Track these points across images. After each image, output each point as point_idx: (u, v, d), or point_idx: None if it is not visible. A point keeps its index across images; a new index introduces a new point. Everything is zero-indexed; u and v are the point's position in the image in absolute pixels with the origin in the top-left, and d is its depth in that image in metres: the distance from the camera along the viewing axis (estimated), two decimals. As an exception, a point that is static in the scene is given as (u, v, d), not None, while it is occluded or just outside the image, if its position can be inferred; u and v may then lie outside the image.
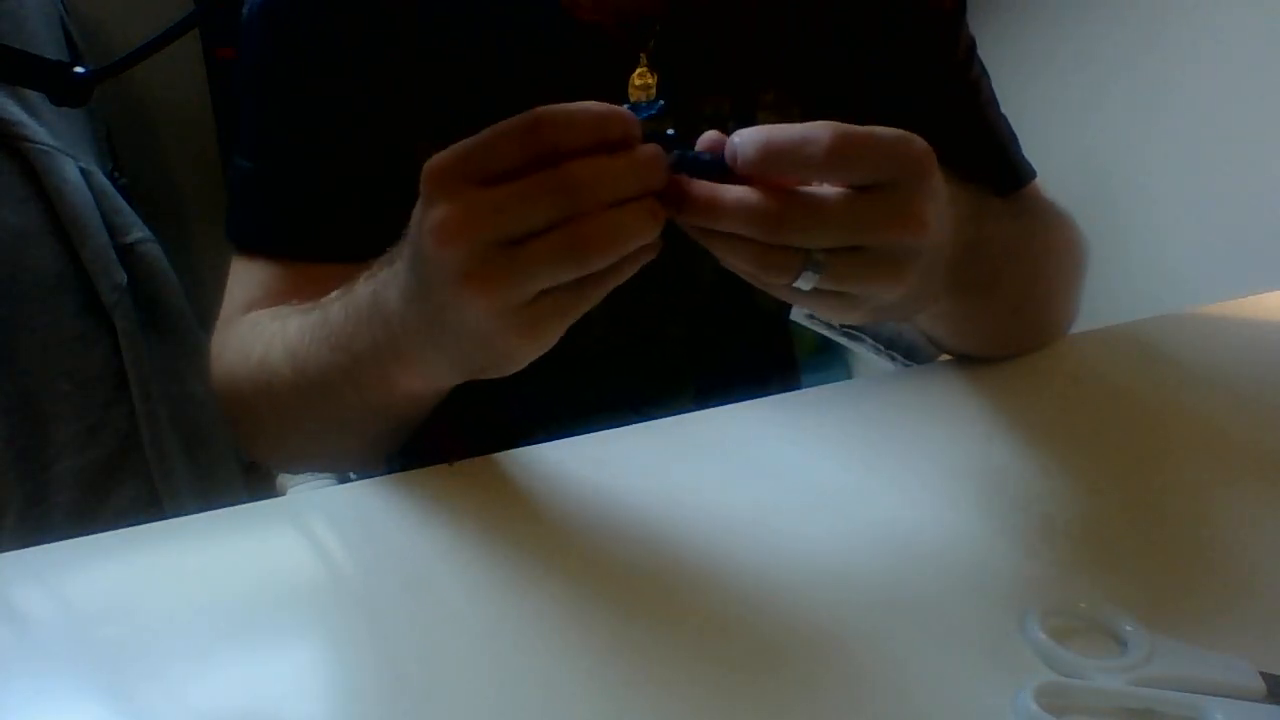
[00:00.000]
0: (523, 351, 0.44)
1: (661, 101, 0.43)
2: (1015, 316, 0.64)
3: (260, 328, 0.61)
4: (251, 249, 0.65)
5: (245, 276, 0.65)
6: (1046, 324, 0.68)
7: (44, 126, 1.26)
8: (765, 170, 0.41)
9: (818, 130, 0.40)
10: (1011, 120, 0.71)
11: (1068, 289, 0.69)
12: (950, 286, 0.52)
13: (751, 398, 0.62)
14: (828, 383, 0.67)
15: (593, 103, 0.40)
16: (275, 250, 0.64)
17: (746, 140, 0.41)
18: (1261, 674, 0.42)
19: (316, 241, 0.63)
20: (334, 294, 0.54)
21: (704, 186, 0.41)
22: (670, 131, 0.43)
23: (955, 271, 0.51)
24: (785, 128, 0.40)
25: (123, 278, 1.31)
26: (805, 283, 0.42)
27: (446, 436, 0.73)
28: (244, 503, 0.54)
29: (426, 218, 0.40)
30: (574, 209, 0.39)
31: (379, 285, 0.49)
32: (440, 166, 0.40)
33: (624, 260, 0.41)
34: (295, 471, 0.70)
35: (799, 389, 0.80)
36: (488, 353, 0.45)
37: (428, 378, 0.50)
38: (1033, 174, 0.72)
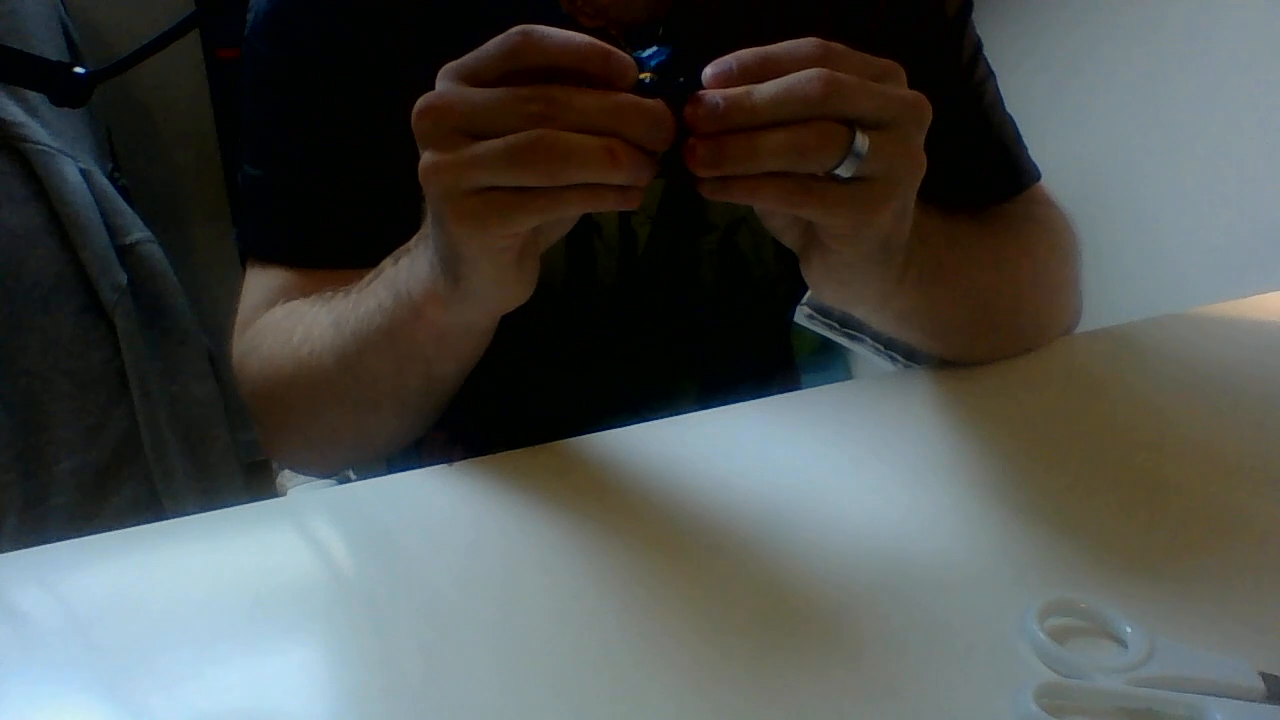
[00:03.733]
0: (463, 240, 0.45)
1: (669, 47, 0.44)
2: (986, 318, 0.64)
3: (298, 313, 0.61)
4: (265, 257, 0.65)
5: (261, 282, 0.65)
6: (1031, 325, 0.68)
7: (44, 126, 1.26)
8: (766, 75, 0.42)
9: (803, 40, 0.43)
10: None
11: (1054, 290, 0.69)
12: (899, 279, 0.53)
13: (752, 398, 0.63)
14: (828, 383, 0.67)
15: (577, 34, 0.42)
16: (289, 257, 0.64)
17: (742, 54, 0.42)
18: (1261, 674, 0.42)
19: (330, 247, 0.63)
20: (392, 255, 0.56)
21: (732, 89, 0.42)
22: (681, 79, 0.43)
23: (903, 261, 0.52)
24: (770, 45, 0.43)
25: (123, 278, 1.31)
26: (849, 166, 0.42)
27: (449, 435, 0.73)
28: (244, 503, 0.54)
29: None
30: (534, 123, 0.41)
31: (426, 221, 0.51)
32: (448, 65, 0.44)
33: (576, 189, 0.42)
34: (317, 469, 0.70)
35: (799, 389, 0.80)
36: (444, 238, 0.47)
37: (441, 297, 0.50)
38: (1036, 176, 0.72)
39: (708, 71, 0.42)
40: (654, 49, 0.44)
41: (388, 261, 0.55)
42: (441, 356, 0.55)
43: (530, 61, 0.41)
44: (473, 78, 0.43)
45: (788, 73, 0.42)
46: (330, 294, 0.60)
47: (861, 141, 0.42)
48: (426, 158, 0.43)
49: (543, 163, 0.41)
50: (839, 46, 0.43)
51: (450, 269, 0.48)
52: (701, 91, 0.42)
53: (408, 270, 0.52)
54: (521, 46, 0.41)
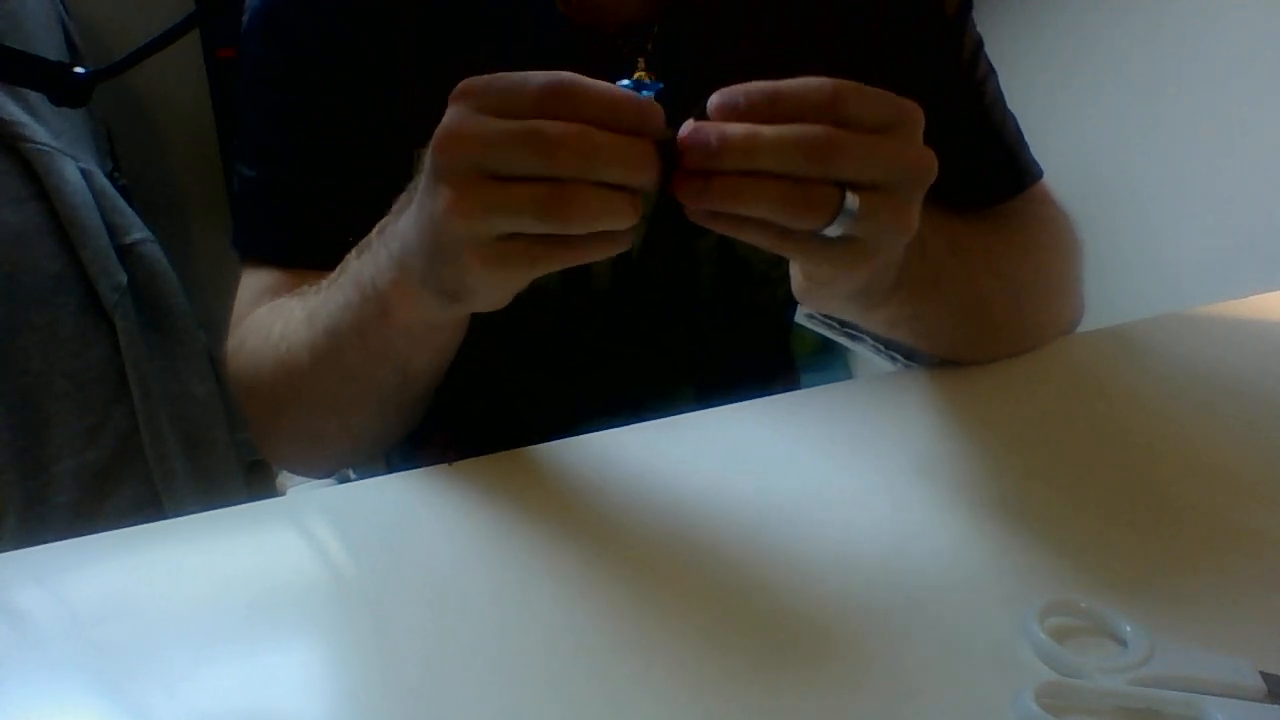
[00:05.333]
0: (482, 281, 0.45)
1: (660, 85, 0.43)
2: (983, 321, 0.64)
3: (279, 307, 0.61)
4: (259, 257, 0.65)
5: (254, 282, 0.65)
6: (1031, 326, 0.68)
7: (44, 126, 1.26)
8: (773, 113, 0.41)
9: (816, 79, 0.41)
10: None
11: (1054, 291, 0.69)
12: (884, 300, 0.53)
13: (752, 397, 0.62)
14: (828, 383, 0.67)
15: (620, 89, 0.41)
16: (283, 258, 0.64)
17: (751, 89, 0.41)
18: (1261, 674, 0.42)
19: (323, 248, 0.63)
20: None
21: (740, 126, 0.41)
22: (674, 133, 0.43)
23: (890, 285, 0.52)
24: (782, 81, 0.41)
25: (123, 278, 1.31)
26: (837, 227, 0.42)
27: (447, 437, 0.73)
28: (244, 503, 0.54)
29: (442, 122, 0.42)
30: (556, 170, 0.40)
31: (390, 213, 0.51)
32: (471, 84, 0.42)
33: (597, 240, 0.42)
34: (310, 469, 0.70)
35: (799, 389, 0.80)
36: (454, 271, 0.46)
37: (413, 299, 0.50)
38: (1038, 175, 0.72)
39: (713, 102, 0.41)
40: (652, 82, 0.43)
41: (351, 255, 0.55)
42: (414, 351, 0.55)
43: (564, 112, 0.41)
44: (498, 108, 0.41)
45: (795, 114, 0.40)
46: (306, 289, 0.60)
47: (852, 203, 0.41)
48: (447, 195, 0.42)
49: (571, 217, 0.41)
50: (852, 88, 0.41)
51: (448, 290, 0.47)
52: (700, 123, 0.41)
53: (372, 266, 0.52)
54: (562, 93, 0.41)
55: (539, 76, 0.41)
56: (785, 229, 0.42)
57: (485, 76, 0.42)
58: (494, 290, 0.47)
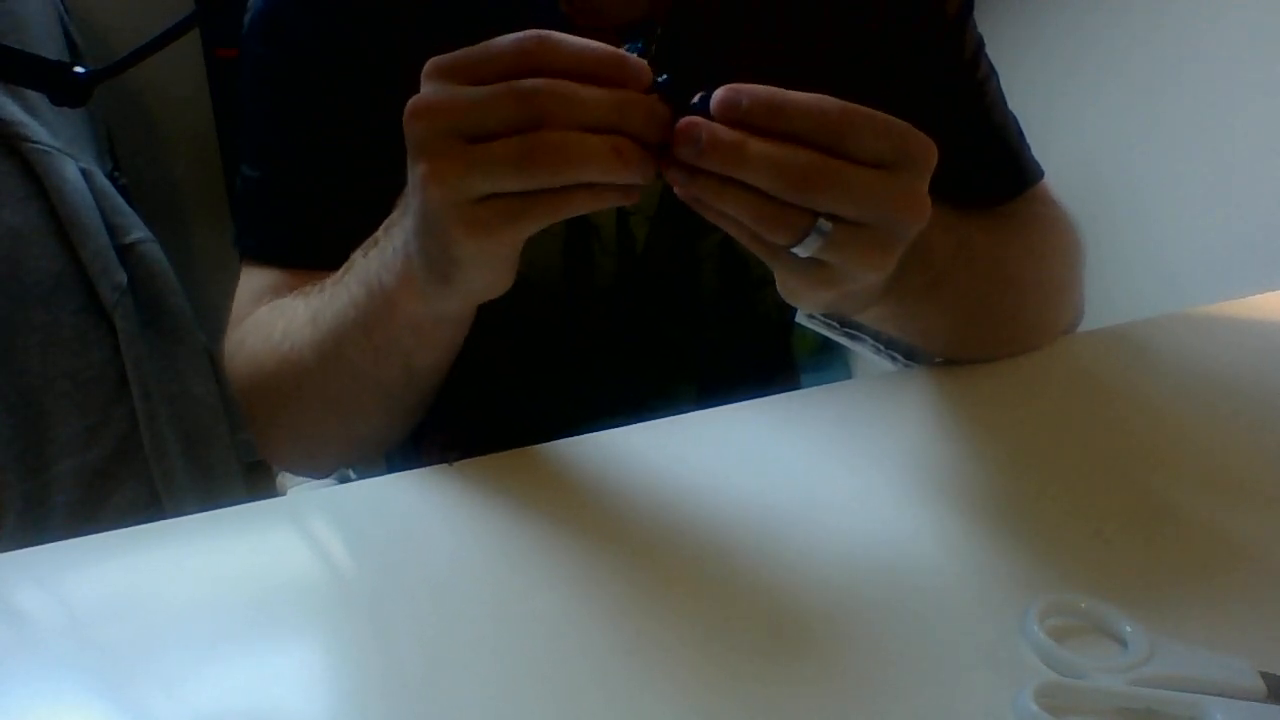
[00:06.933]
0: (468, 252, 0.45)
1: (639, 44, 0.43)
2: (982, 320, 0.64)
3: (281, 307, 0.61)
4: (261, 257, 0.65)
5: (254, 282, 0.65)
6: (1032, 326, 0.68)
7: (44, 126, 1.26)
8: (774, 124, 0.40)
9: (828, 99, 0.40)
10: (1013, 120, 0.71)
11: (1055, 292, 0.69)
12: (886, 291, 0.52)
13: (752, 397, 0.62)
14: (828, 383, 0.67)
15: (593, 41, 0.41)
16: (285, 258, 0.64)
17: (759, 94, 0.40)
18: (1261, 674, 0.42)
19: (325, 248, 0.63)
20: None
21: (732, 132, 0.40)
22: (662, 77, 0.42)
23: (894, 276, 0.51)
24: (792, 93, 0.40)
25: (123, 278, 1.31)
26: (805, 249, 0.41)
27: (448, 436, 0.73)
28: (244, 503, 0.54)
29: (413, 97, 0.42)
30: (534, 122, 0.40)
31: (395, 209, 0.51)
32: (440, 60, 0.42)
33: (580, 190, 0.41)
34: (310, 469, 0.70)
35: (799, 389, 0.80)
36: (439, 244, 0.45)
37: (417, 290, 0.49)
38: (1039, 176, 0.71)
39: (718, 95, 0.41)
40: (630, 44, 0.43)
41: (357, 254, 0.55)
42: (420, 347, 0.55)
43: (540, 66, 0.40)
44: (470, 76, 0.41)
45: (795, 128, 0.40)
46: (309, 289, 0.60)
47: (824, 226, 0.41)
48: (423, 165, 0.42)
49: (549, 166, 0.40)
50: (864, 116, 0.40)
51: (438, 269, 0.47)
52: (694, 119, 0.41)
53: (378, 262, 0.51)
54: (534, 50, 0.40)
55: (508, 38, 0.40)
56: (758, 236, 0.42)
57: (452, 53, 0.42)
58: (483, 264, 0.46)
